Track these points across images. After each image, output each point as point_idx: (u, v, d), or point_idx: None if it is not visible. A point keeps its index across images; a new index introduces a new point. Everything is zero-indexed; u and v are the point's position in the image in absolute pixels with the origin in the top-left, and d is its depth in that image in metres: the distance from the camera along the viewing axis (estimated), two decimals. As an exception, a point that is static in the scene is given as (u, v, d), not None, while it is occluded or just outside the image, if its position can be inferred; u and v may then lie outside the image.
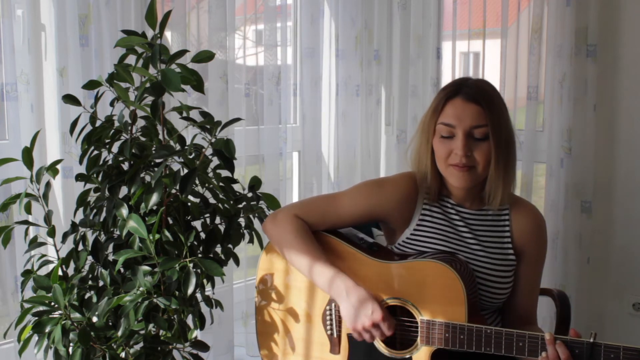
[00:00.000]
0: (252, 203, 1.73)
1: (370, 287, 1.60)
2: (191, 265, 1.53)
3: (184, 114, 1.66)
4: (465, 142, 1.55)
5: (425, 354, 1.55)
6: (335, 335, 1.68)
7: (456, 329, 1.50)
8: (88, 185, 1.66)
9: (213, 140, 1.61)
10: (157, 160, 1.58)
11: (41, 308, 1.52)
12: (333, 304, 1.67)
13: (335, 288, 1.58)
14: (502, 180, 1.59)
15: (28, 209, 1.62)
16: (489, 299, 1.64)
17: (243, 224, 1.73)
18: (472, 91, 1.57)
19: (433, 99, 1.64)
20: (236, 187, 1.72)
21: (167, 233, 1.57)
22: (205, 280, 1.67)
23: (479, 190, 1.66)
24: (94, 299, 1.59)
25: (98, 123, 1.64)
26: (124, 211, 1.54)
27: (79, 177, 1.64)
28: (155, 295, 1.49)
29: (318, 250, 1.64)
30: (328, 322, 1.68)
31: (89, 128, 1.63)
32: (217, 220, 1.70)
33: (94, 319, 1.56)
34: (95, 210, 1.65)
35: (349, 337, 1.66)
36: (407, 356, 1.58)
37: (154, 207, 1.56)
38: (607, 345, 1.38)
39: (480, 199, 1.68)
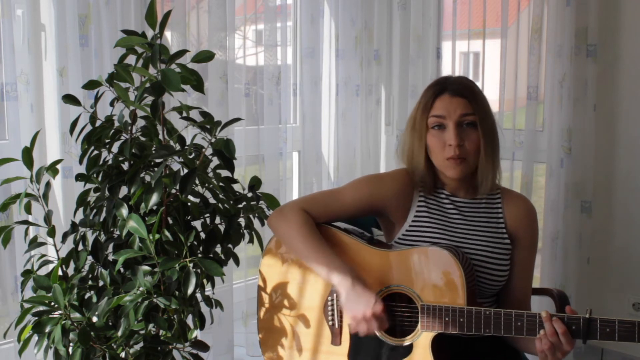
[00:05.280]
0: (252, 203, 1.74)
1: (371, 275, 1.64)
2: (191, 265, 1.53)
3: (184, 114, 1.66)
4: (457, 132, 1.65)
5: (426, 340, 1.58)
6: (336, 325, 1.69)
7: (455, 312, 1.54)
8: (88, 185, 1.66)
9: (213, 140, 1.61)
10: (157, 160, 1.58)
11: (41, 308, 1.52)
12: (335, 294, 1.68)
13: (340, 277, 1.62)
14: (492, 165, 1.70)
15: (28, 209, 1.62)
16: (487, 285, 1.68)
17: (243, 224, 1.73)
18: (457, 87, 1.70)
19: (420, 98, 1.75)
20: (236, 187, 1.72)
21: (167, 233, 1.57)
22: (205, 280, 1.67)
23: (471, 179, 1.73)
24: (94, 299, 1.59)
25: (98, 123, 1.64)
26: (124, 211, 1.54)
27: (79, 177, 1.64)
28: (155, 295, 1.49)
29: (323, 242, 1.69)
30: (329, 313, 1.70)
31: (89, 128, 1.63)
32: (217, 220, 1.70)
33: (94, 319, 1.56)
34: (95, 210, 1.65)
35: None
36: (409, 343, 1.60)
37: (154, 207, 1.56)
38: (603, 320, 1.43)
39: (473, 187, 1.75)
